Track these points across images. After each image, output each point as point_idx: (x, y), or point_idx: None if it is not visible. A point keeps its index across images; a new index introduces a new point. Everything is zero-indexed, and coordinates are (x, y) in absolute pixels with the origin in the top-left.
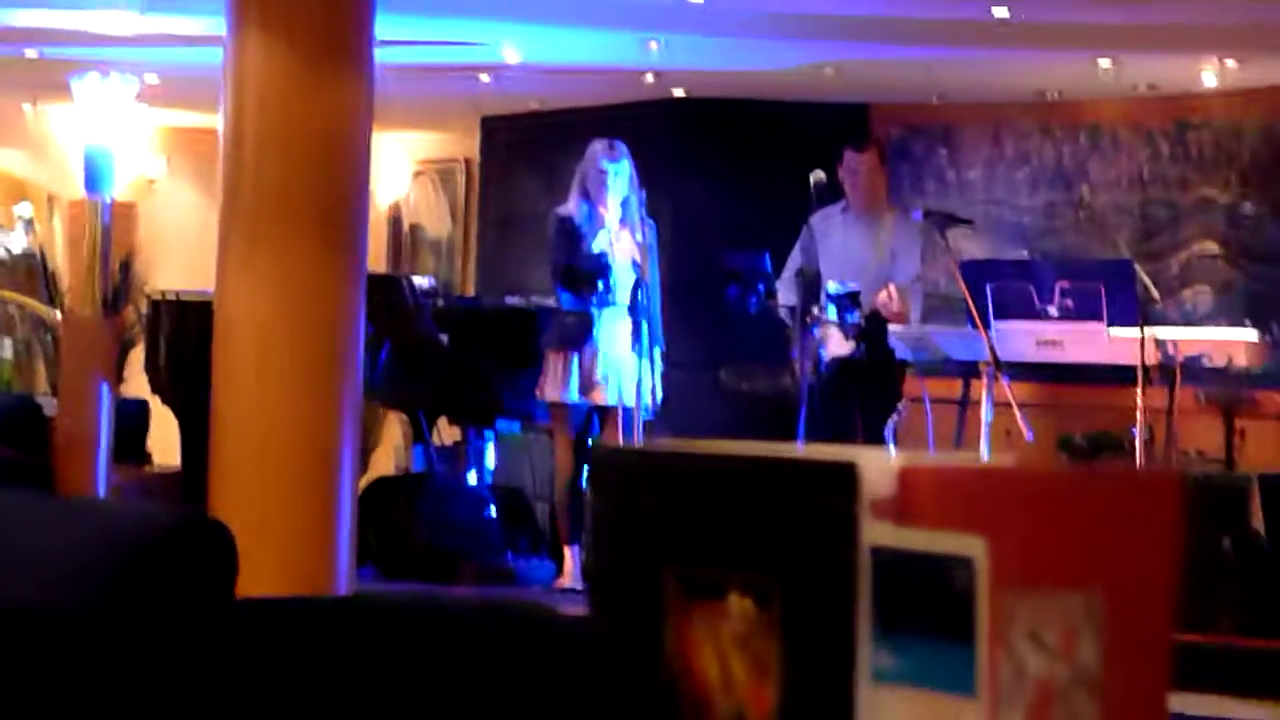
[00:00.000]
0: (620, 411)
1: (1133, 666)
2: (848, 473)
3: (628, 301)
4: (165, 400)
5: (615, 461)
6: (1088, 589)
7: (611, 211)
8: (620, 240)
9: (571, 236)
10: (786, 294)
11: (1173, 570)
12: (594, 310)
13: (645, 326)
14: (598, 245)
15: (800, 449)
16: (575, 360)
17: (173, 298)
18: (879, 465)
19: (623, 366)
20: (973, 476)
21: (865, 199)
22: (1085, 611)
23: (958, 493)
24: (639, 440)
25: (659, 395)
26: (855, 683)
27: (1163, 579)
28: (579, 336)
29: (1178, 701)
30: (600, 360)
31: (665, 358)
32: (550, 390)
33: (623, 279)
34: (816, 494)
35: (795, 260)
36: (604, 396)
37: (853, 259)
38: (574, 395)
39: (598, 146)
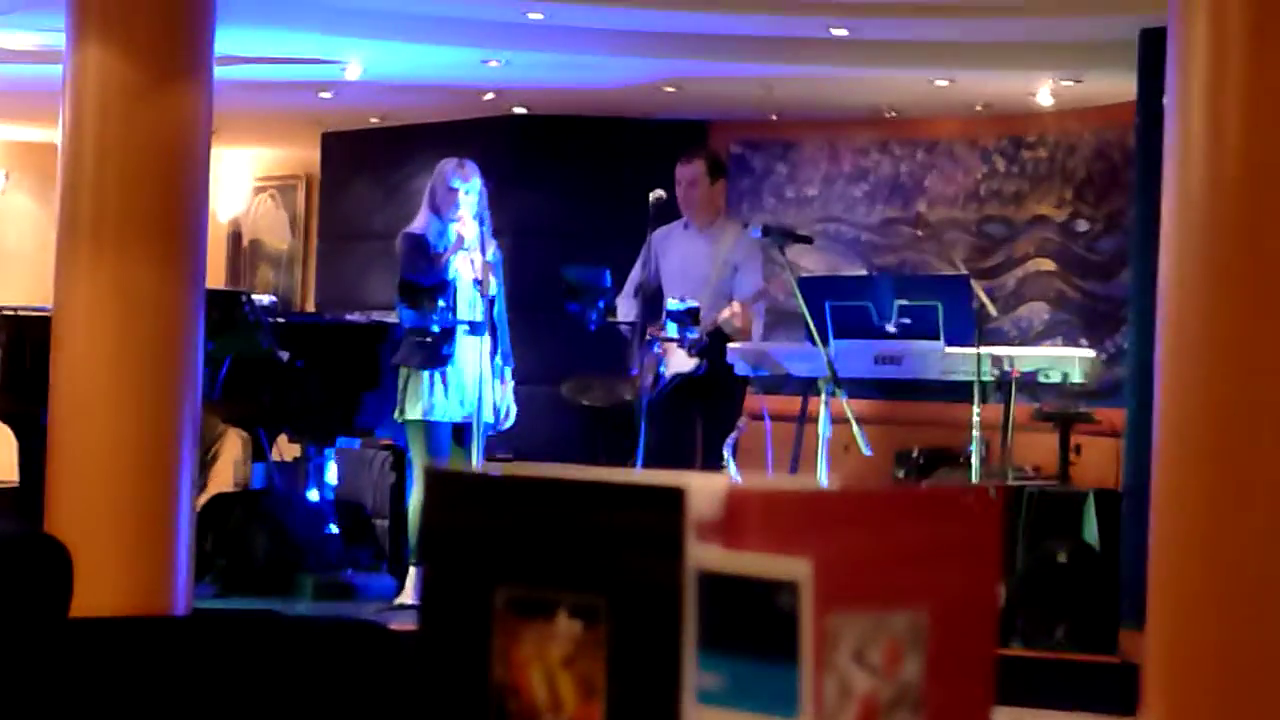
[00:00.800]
0: (473, 429)
1: (957, 683)
2: (674, 495)
3: (476, 319)
4: (2, 415)
5: (446, 482)
6: (912, 608)
7: (467, 228)
8: (466, 258)
9: (422, 254)
10: (627, 309)
11: (995, 587)
12: (434, 328)
13: (496, 344)
14: (446, 262)
15: (630, 472)
16: (435, 378)
17: (10, 312)
18: (706, 488)
19: (477, 384)
20: (798, 499)
21: (697, 210)
22: (910, 630)
23: (783, 516)
24: (482, 458)
25: (513, 412)
26: (681, 704)
27: (986, 596)
28: (439, 356)
29: (1008, 716)
30: (459, 379)
31: (514, 374)
32: (410, 409)
33: (464, 296)
34: (644, 516)
35: (635, 276)
36: (461, 415)
37: (693, 274)
38: (434, 414)
39: (449, 165)
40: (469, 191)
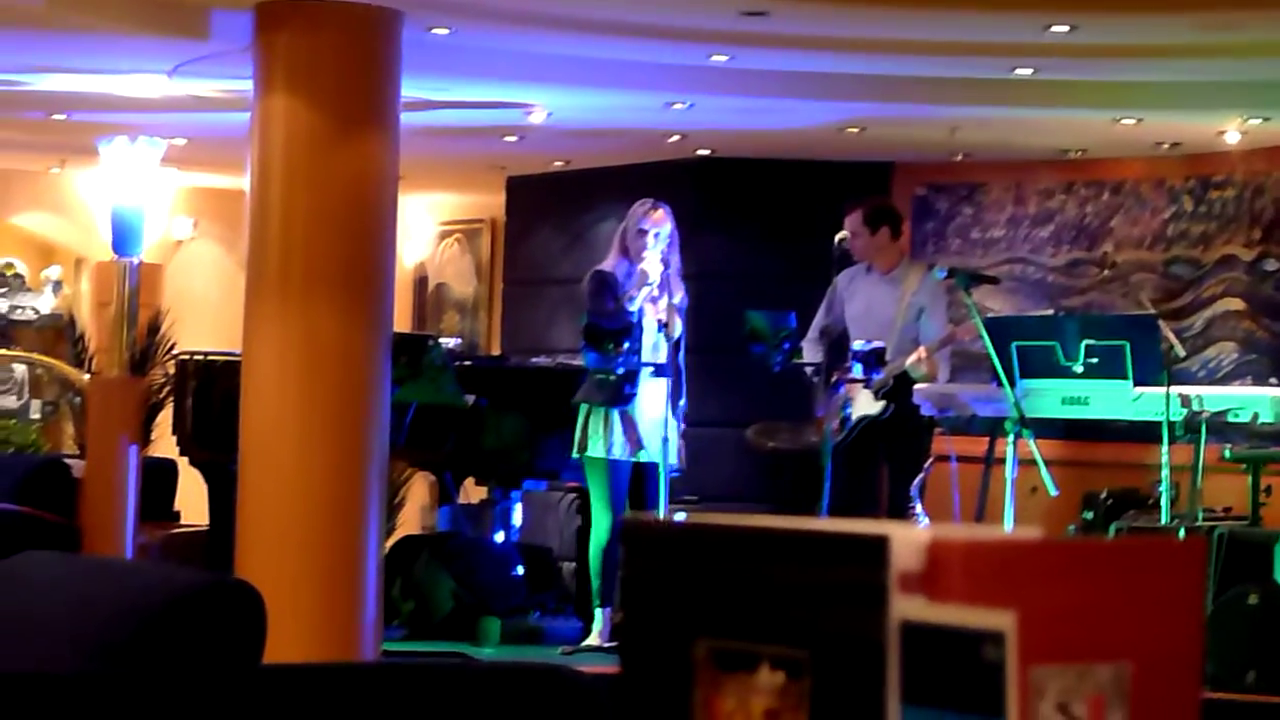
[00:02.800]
0: (653, 471)
1: None
2: (878, 546)
3: (659, 361)
4: (192, 460)
5: (648, 532)
6: (1116, 660)
7: (652, 270)
8: (654, 300)
9: (609, 293)
10: (812, 352)
11: (1199, 635)
12: (620, 369)
13: (679, 387)
14: (634, 304)
15: (831, 522)
16: (616, 418)
17: (200, 358)
18: (909, 539)
19: (657, 426)
20: (1001, 550)
21: (867, 258)
22: (1114, 682)
23: (986, 566)
24: (667, 500)
25: (683, 454)
26: None
27: (1189, 645)
28: (623, 394)
29: None
30: (639, 420)
31: (686, 417)
32: (592, 446)
33: (649, 339)
34: (847, 568)
35: (820, 319)
36: (642, 455)
37: (877, 317)
38: (615, 453)
39: (642, 207)
40: (659, 234)
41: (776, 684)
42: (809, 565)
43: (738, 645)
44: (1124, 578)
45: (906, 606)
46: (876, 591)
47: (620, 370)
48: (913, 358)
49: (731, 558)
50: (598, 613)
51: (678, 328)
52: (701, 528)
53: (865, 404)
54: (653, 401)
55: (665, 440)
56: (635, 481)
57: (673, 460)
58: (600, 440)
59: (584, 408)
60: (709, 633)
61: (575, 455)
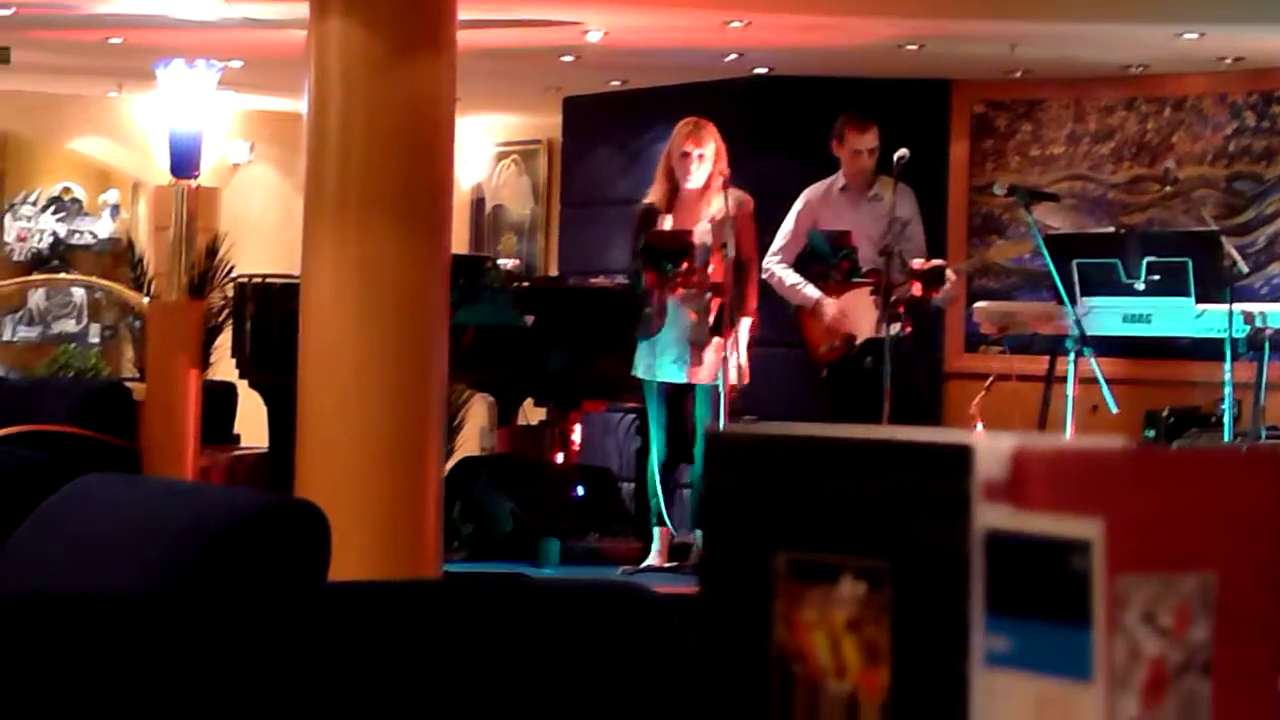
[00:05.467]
0: (708, 390)
1: (1244, 647)
2: (962, 455)
3: (716, 280)
4: (252, 383)
5: (728, 444)
6: (1201, 570)
7: (694, 189)
8: (700, 220)
9: (651, 224)
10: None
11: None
12: (673, 291)
13: (723, 306)
14: (675, 224)
15: (914, 430)
16: (658, 341)
17: (259, 281)
18: (993, 447)
19: (709, 345)
20: (1087, 458)
21: (865, 172)
22: (1199, 592)
23: (1073, 475)
24: (725, 420)
25: (743, 371)
26: (968, 667)
27: (1272, 558)
28: (663, 317)
29: None
30: (685, 339)
31: (751, 332)
32: (639, 368)
33: (702, 258)
34: (930, 477)
35: (788, 238)
36: (692, 375)
37: (864, 236)
38: (663, 374)
39: (683, 128)
40: (704, 155)
41: (858, 595)
42: (891, 474)
43: (818, 557)
44: (1208, 487)
45: (991, 515)
46: (960, 500)
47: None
48: (947, 285)
49: (812, 468)
50: (655, 532)
51: (730, 245)
52: (782, 438)
53: (870, 325)
54: (705, 320)
55: (725, 360)
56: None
57: (719, 381)
58: (644, 362)
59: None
60: (789, 545)
61: (632, 374)
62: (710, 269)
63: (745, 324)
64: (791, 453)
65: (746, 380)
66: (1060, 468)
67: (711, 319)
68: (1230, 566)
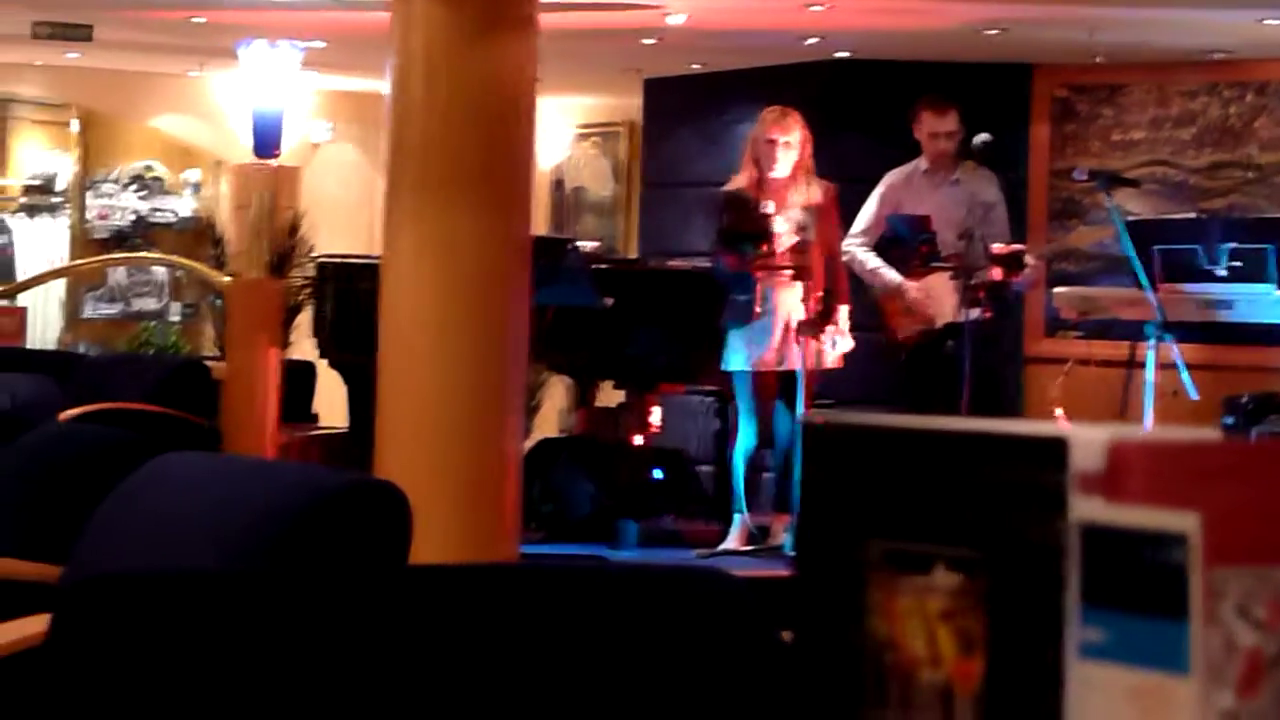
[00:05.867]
0: (797, 377)
1: None
2: (1058, 447)
3: (798, 266)
4: (332, 363)
5: (826, 434)
6: None
7: (780, 178)
8: (788, 208)
9: (740, 210)
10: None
11: None
12: (754, 277)
13: (827, 291)
14: (765, 210)
15: (1009, 422)
16: (757, 329)
17: (339, 260)
18: (1089, 439)
19: (795, 333)
20: (1182, 450)
21: (947, 156)
22: None
23: (1169, 468)
24: (808, 407)
25: (825, 356)
26: (1063, 659)
27: None
28: (750, 308)
29: None
30: (775, 327)
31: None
32: (735, 360)
33: (786, 244)
34: (1026, 468)
35: (871, 220)
36: (782, 362)
37: (945, 221)
38: (748, 364)
39: (769, 115)
40: (789, 142)
41: (952, 585)
42: (986, 465)
43: (912, 546)
44: None
45: (1086, 508)
46: (1055, 493)
47: (748, 289)
48: (1027, 270)
49: (907, 459)
50: (736, 517)
51: (811, 231)
52: (878, 429)
53: (951, 309)
54: (791, 308)
55: (816, 347)
56: (786, 389)
57: (807, 366)
58: (736, 352)
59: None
60: (882, 533)
61: (723, 367)
62: (808, 255)
63: (844, 311)
64: (887, 443)
65: (838, 368)
66: (1155, 460)
67: (804, 305)
68: None
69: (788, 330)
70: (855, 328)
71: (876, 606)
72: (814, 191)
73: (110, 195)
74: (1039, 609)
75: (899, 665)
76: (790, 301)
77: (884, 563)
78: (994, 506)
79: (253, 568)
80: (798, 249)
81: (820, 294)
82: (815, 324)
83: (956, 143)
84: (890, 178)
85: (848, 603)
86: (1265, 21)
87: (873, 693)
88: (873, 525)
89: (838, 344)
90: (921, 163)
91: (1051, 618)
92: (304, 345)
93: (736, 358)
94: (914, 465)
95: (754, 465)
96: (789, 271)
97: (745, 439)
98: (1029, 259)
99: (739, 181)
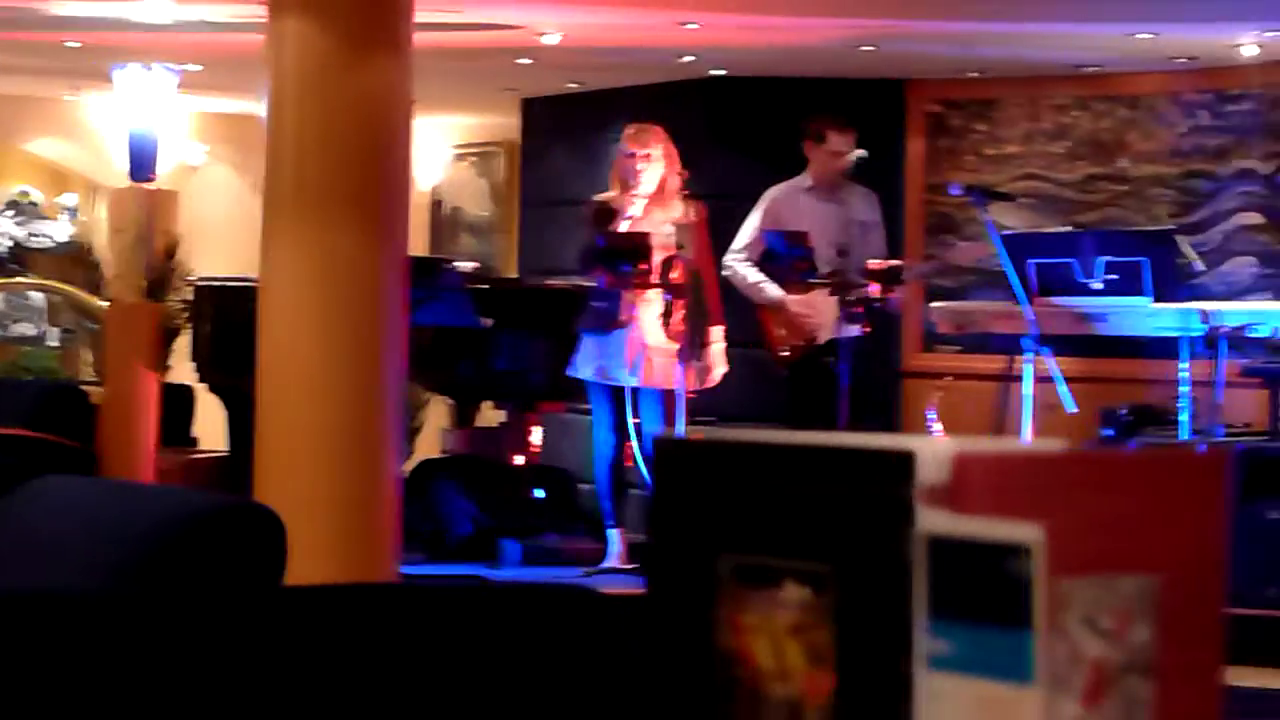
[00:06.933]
0: (658, 394)
1: (1187, 646)
2: (904, 460)
3: (664, 282)
4: (211, 386)
5: (672, 449)
6: (1142, 572)
7: (644, 194)
8: (654, 223)
9: (606, 221)
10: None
11: (1223, 550)
12: (627, 291)
13: (696, 306)
14: (632, 227)
15: (855, 436)
16: (609, 341)
17: (216, 284)
18: (934, 452)
19: (662, 347)
20: (1027, 462)
21: (835, 171)
22: (1139, 594)
23: (1013, 479)
24: (679, 422)
25: (718, 373)
26: (912, 670)
27: (1215, 558)
28: (613, 318)
29: (1227, 675)
30: (637, 341)
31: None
32: (585, 370)
33: (656, 260)
34: (872, 481)
35: (752, 235)
36: (646, 380)
37: (825, 238)
38: (616, 377)
39: (628, 132)
40: (651, 156)
41: (801, 599)
42: (833, 480)
43: (761, 561)
44: (1150, 490)
45: (932, 520)
46: (902, 505)
47: (611, 298)
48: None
49: (755, 473)
50: (610, 533)
51: (687, 247)
52: (725, 443)
53: (832, 325)
54: (646, 325)
55: (673, 361)
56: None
57: (673, 382)
58: (589, 363)
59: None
60: (733, 549)
61: (568, 372)
62: (675, 273)
63: (718, 332)
64: (736, 458)
65: (716, 385)
66: (1000, 472)
67: (670, 322)
68: (1172, 568)
69: (644, 348)
70: (735, 344)
71: (726, 621)
72: (685, 209)
73: None
74: (887, 621)
75: (748, 680)
76: (648, 318)
77: (734, 578)
78: (842, 520)
79: (126, 590)
80: (667, 265)
81: (684, 314)
82: (691, 346)
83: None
84: (773, 193)
85: (698, 618)
86: (1136, 35)
87: (722, 707)
88: (723, 540)
89: (713, 370)
90: (806, 179)
91: (900, 630)
92: (183, 369)
93: (586, 368)
94: (762, 480)
95: (625, 481)
96: (658, 289)
97: (603, 448)
98: (906, 273)
99: (606, 195)
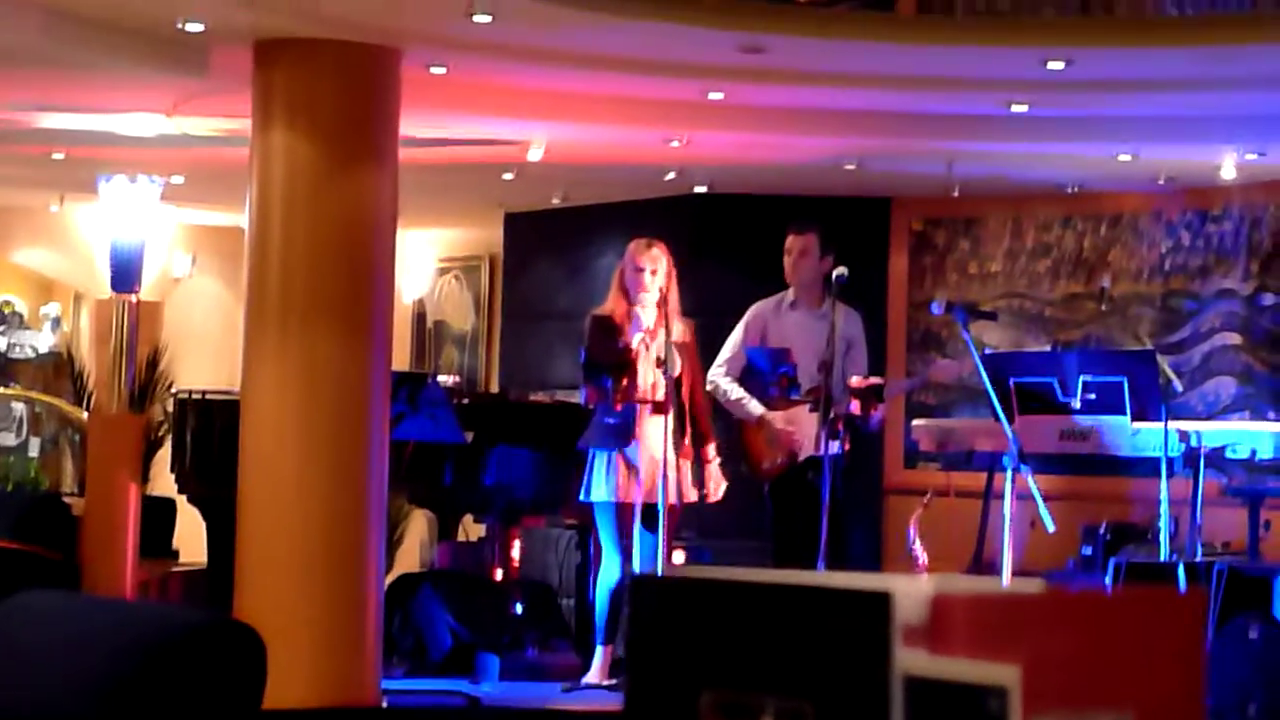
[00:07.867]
0: (662, 510)
1: None
2: (882, 601)
3: (658, 399)
4: (191, 498)
5: (654, 586)
6: (1118, 708)
7: (648, 309)
8: (654, 340)
9: (608, 335)
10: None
11: (1201, 685)
12: (617, 414)
13: (687, 424)
14: (633, 342)
15: (835, 575)
16: (618, 460)
17: (199, 396)
18: (912, 593)
19: (660, 464)
20: (1004, 603)
21: (808, 284)
22: None
23: (989, 619)
24: (666, 537)
25: (718, 488)
26: None
27: (1191, 692)
28: (622, 436)
29: None
30: (641, 459)
31: (719, 452)
32: (595, 490)
33: (646, 376)
34: (851, 621)
35: (736, 351)
36: (647, 496)
37: (806, 353)
38: (618, 495)
39: (637, 245)
40: (657, 271)
41: None
42: (813, 618)
43: (742, 697)
44: (1125, 628)
45: (910, 660)
46: (880, 645)
47: (619, 413)
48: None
49: (736, 611)
50: (599, 649)
51: (676, 364)
52: (706, 581)
53: (814, 441)
54: (654, 440)
55: (665, 478)
56: (648, 520)
57: (672, 499)
58: (603, 483)
59: (591, 451)
60: (714, 684)
61: (581, 498)
62: (668, 390)
63: (712, 449)
64: (716, 596)
65: (719, 497)
66: (977, 613)
67: (672, 439)
68: (1148, 703)
69: (654, 463)
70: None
71: None
72: (678, 328)
73: None
74: None
75: None
76: (654, 434)
77: (715, 712)
78: (821, 658)
79: (106, 708)
80: (656, 384)
81: (689, 429)
82: (695, 464)
83: (815, 269)
84: (757, 308)
85: None
86: (1119, 156)
87: None
88: (704, 676)
89: (719, 485)
90: (789, 295)
91: None
92: (164, 480)
93: (599, 489)
94: (742, 617)
95: (618, 596)
96: (647, 405)
97: (610, 572)
98: (887, 390)
99: (607, 308)
